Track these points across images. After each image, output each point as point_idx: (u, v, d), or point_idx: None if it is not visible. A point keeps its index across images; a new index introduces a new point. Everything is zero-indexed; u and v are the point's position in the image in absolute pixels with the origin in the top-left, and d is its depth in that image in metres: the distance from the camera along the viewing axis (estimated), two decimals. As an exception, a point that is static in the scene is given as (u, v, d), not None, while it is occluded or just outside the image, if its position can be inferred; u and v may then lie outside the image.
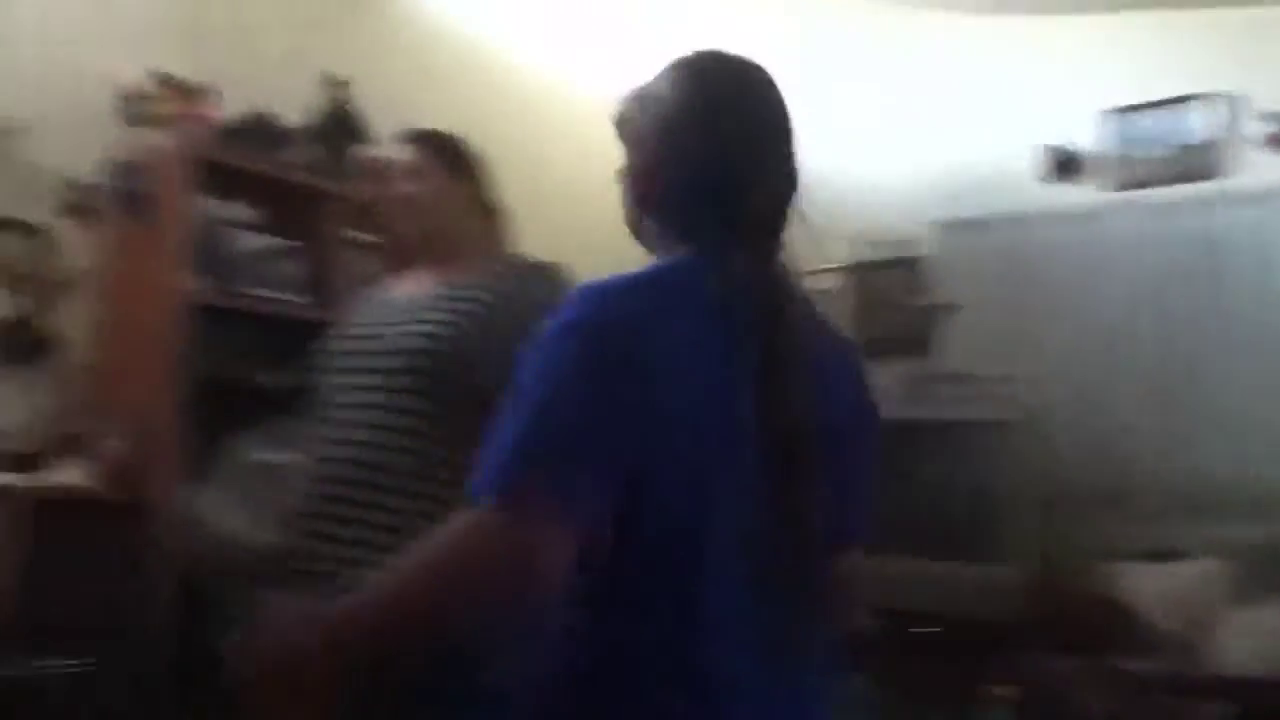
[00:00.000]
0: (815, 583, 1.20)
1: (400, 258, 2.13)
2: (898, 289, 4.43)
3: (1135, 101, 4.06)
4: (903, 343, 4.35)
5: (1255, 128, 3.80)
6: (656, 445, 1.12)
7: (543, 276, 2.01)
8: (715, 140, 1.27)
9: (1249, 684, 2.95)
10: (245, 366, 3.05)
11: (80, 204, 3.12)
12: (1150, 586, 3.27)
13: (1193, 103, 3.94)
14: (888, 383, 4.02)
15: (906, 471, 3.85)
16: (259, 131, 3.23)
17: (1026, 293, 4.12)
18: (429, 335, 1.89)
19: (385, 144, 2.11)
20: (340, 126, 3.45)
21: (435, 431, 1.85)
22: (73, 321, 3.10)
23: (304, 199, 3.32)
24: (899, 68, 4.57)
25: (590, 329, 1.14)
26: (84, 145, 3.13)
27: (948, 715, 3.33)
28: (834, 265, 4.56)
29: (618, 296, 1.17)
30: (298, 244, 3.28)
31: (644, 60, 1.45)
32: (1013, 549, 3.57)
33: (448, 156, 2.13)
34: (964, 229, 4.30)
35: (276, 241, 3.25)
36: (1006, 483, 3.63)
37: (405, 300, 2.01)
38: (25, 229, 3.03)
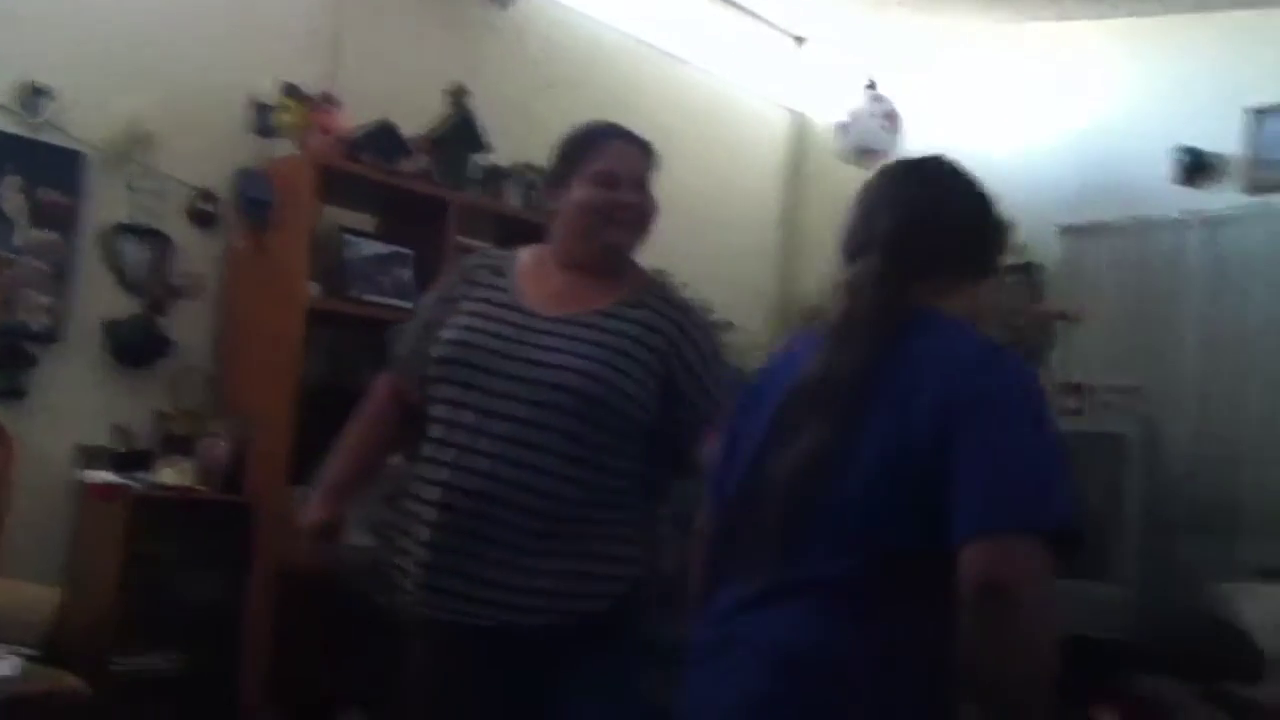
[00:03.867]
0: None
1: (599, 268, 1.99)
2: (1017, 296, 4.33)
3: (1275, 102, 3.87)
4: (1018, 349, 4.24)
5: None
6: None
7: (690, 304, 2.06)
8: None
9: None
10: (360, 372, 3.17)
11: (206, 211, 3.30)
12: (1262, 608, 3.15)
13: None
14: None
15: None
16: (382, 141, 3.35)
17: (1152, 301, 3.98)
18: (610, 366, 1.87)
19: (616, 147, 2.00)
20: (460, 135, 3.55)
21: (605, 461, 1.87)
22: (191, 325, 3.28)
23: (422, 207, 3.42)
24: (1029, 71, 4.46)
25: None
26: (213, 154, 3.31)
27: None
28: (950, 270, 4.50)
29: None
30: (415, 251, 3.39)
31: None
32: (1126, 566, 3.47)
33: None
34: (1090, 234, 4.17)
35: (394, 249, 3.36)
36: (1122, 498, 3.53)
37: (568, 320, 1.92)
38: (150, 234, 3.21)
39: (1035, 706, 1.30)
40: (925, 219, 1.54)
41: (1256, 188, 3.88)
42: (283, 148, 3.32)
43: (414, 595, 1.85)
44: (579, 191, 1.94)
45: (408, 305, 3.29)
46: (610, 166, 1.96)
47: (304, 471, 2.94)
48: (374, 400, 2.09)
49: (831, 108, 4.52)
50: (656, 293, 1.98)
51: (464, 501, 1.82)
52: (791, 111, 5.13)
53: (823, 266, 5.59)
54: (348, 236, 3.32)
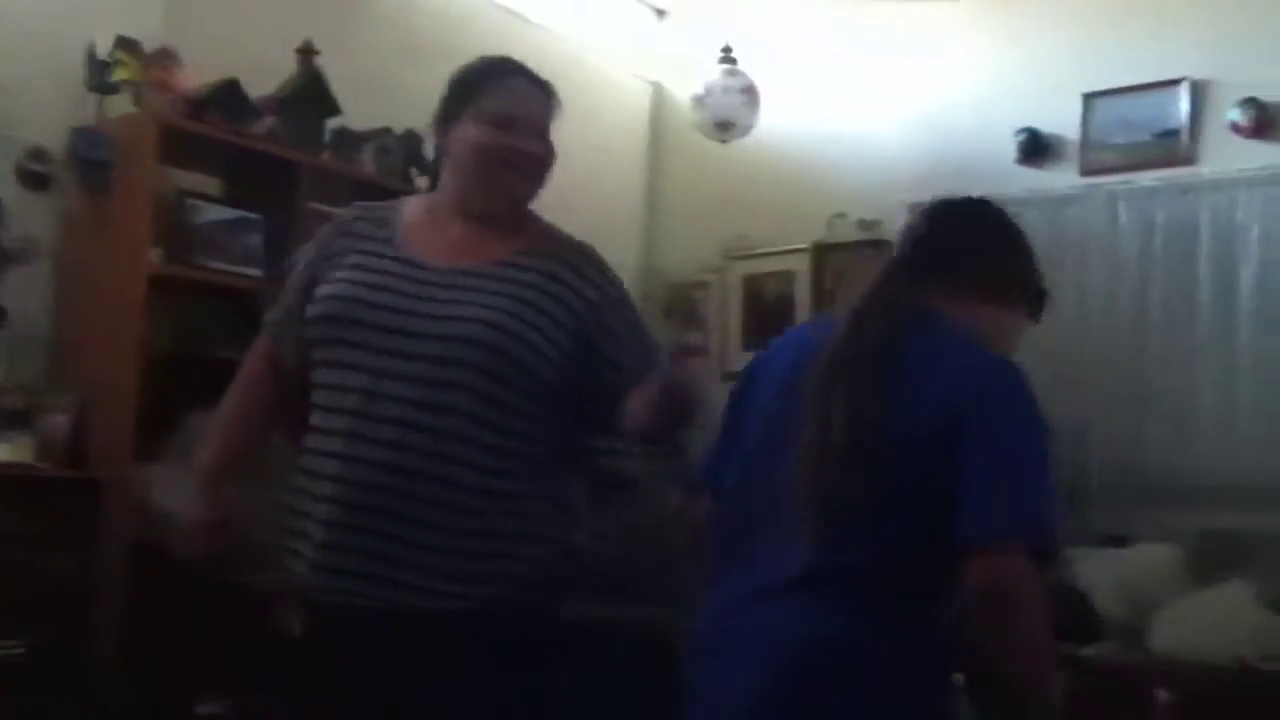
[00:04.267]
0: None
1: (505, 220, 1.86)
2: (867, 270, 4.43)
3: (1114, 86, 4.05)
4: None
5: (1231, 114, 3.79)
6: None
7: (596, 255, 1.90)
8: None
9: (1192, 669, 3.00)
10: (208, 341, 3.05)
11: (38, 171, 3.11)
12: (1101, 572, 3.31)
13: (1170, 88, 3.94)
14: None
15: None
16: (227, 100, 3.22)
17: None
18: (519, 318, 1.72)
19: (516, 86, 1.86)
20: (310, 97, 3.43)
21: (517, 425, 1.72)
22: (25, 293, 3.08)
23: (271, 170, 3.31)
24: (882, 49, 4.55)
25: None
26: (46, 111, 3.12)
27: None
28: (803, 245, 4.58)
29: None
30: (264, 217, 3.27)
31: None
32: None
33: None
34: (937, 211, 4.29)
35: (242, 214, 3.24)
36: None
37: (467, 271, 1.76)
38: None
39: (1038, 701, 1.44)
40: (953, 229, 1.69)
41: (1091, 170, 4.06)
42: (122, 105, 3.16)
43: (308, 578, 1.69)
44: (472, 130, 1.79)
45: (257, 273, 3.17)
46: (507, 109, 1.81)
47: (151, 445, 2.82)
48: (247, 371, 1.91)
49: (692, 81, 4.54)
50: (559, 241, 1.86)
51: (364, 474, 1.66)
52: (653, 84, 5.13)
53: (685, 240, 5.69)
54: (193, 200, 3.18)
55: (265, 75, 3.37)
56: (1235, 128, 3.77)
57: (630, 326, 1.84)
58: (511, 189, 1.84)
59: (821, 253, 4.56)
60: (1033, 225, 3.98)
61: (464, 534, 1.67)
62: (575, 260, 1.83)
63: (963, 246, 1.69)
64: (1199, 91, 3.88)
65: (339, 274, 1.79)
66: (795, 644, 1.46)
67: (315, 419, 1.75)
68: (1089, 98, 4.08)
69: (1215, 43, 3.87)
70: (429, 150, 2.55)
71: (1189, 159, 3.88)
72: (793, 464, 1.49)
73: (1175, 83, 3.91)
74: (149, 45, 3.16)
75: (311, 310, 1.79)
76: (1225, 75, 3.84)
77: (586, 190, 4.83)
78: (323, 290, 1.79)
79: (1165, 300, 3.80)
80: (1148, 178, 3.91)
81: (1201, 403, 3.67)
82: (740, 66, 4.47)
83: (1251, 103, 3.74)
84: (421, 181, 3.55)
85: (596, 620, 3.86)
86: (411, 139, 3.59)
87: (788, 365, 1.61)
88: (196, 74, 3.20)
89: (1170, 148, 3.92)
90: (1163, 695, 2.94)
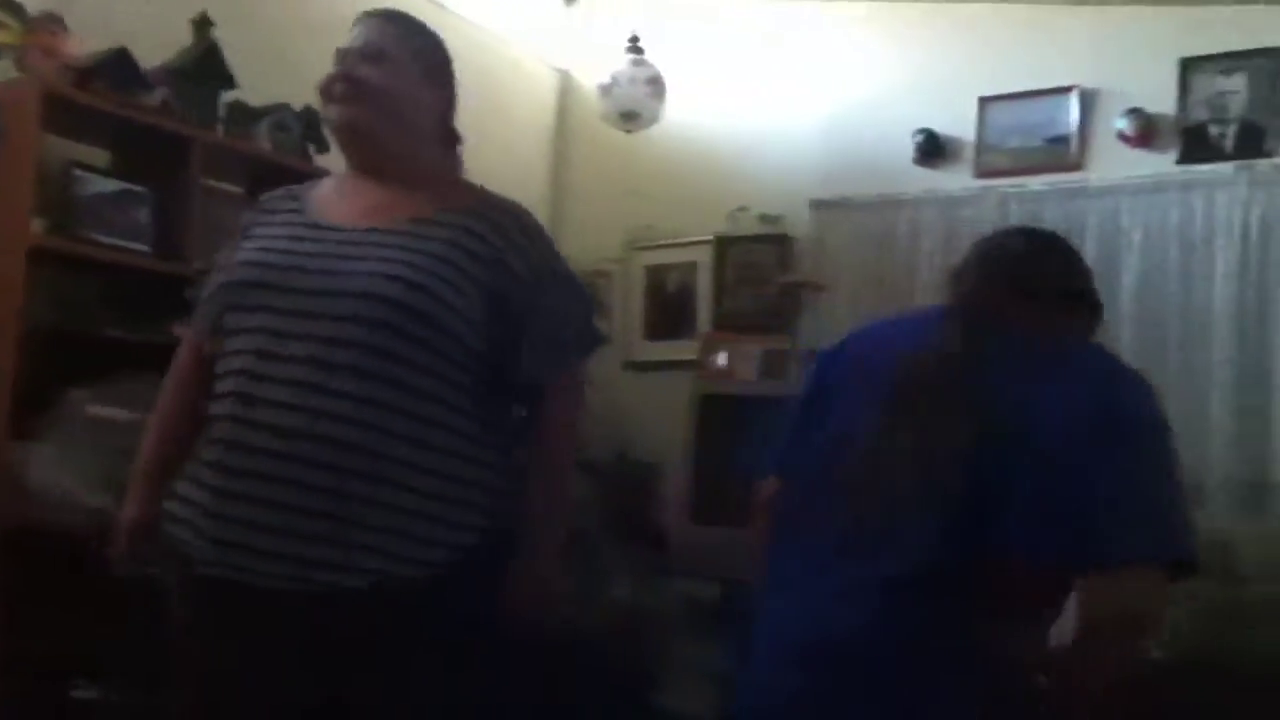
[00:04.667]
0: None
1: (362, 167, 1.78)
2: (767, 265, 4.49)
3: (1008, 91, 4.15)
4: (767, 318, 4.42)
5: (1118, 123, 3.91)
6: None
7: (526, 216, 1.80)
8: None
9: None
10: (89, 318, 2.95)
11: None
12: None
13: (1061, 96, 4.05)
14: (748, 358, 4.10)
15: (766, 445, 3.94)
16: (117, 69, 3.10)
17: (894, 275, 4.21)
18: (430, 273, 1.63)
19: (358, 26, 1.80)
20: (205, 69, 3.34)
21: (428, 388, 1.62)
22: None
23: (162, 144, 3.21)
24: (787, 48, 4.60)
25: None
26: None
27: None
28: (706, 237, 4.61)
29: None
30: (153, 191, 3.17)
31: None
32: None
33: (423, 52, 1.82)
34: (838, 208, 4.36)
35: (130, 187, 3.14)
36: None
37: (378, 230, 1.68)
38: None
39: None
40: (1037, 250, 1.72)
41: (985, 172, 4.17)
42: (3, 71, 3.03)
43: (198, 551, 1.58)
44: None
45: (144, 249, 3.08)
46: (340, 47, 1.78)
47: (29, 424, 2.72)
48: (176, 366, 1.83)
49: (599, 70, 4.53)
50: (489, 202, 1.78)
51: (257, 439, 1.55)
52: (560, 72, 5.11)
53: (589, 229, 5.69)
54: (78, 172, 3.06)
55: (158, 46, 3.27)
56: (1122, 136, 3.90)
57: (558, 296, 1.76)
58: (331, 119, 1.76)
59: (723, 245, 4.60)
60: (928, 224, 4.18)
61: (367, 502, 1.56)
62: (504, 222, 1.75)
63: (1050, 266, 1.72)
64: (1088, 100, 4.01)
65: (246, 244, 1.74)
66: (893, 644, 1.46)
67: (217, 386, 1.65)
68: (984, 102, 4.18)
69: (1105, 53, 4.00)
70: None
71: (1077, 165, 4.00)
72: (902, 464, 1.48)
73: (1066, 90, 4.04)
74: (34, 9, 3.04)
75: (218, 282, 1.72)
76: (1113, 85, 3.97)
77: (491, 176, 4.71)
78: (235, 259, 1.73)
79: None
80: (1038, 182, 4.02)
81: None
82: (647, 57, 4.48)
83: (1137, 113, 3.87)
84: (320, 159, 3.48)
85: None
86: (310, 115, 3.51)
87: (882, 365, 1.60)
88: (85, 42, 3.09)
89: (1060, 153, 4.04)
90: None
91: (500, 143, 4.84)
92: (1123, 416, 1.49)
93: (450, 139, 1.90)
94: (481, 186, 1.85)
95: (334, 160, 2.02)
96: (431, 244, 1.66)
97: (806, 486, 1.61)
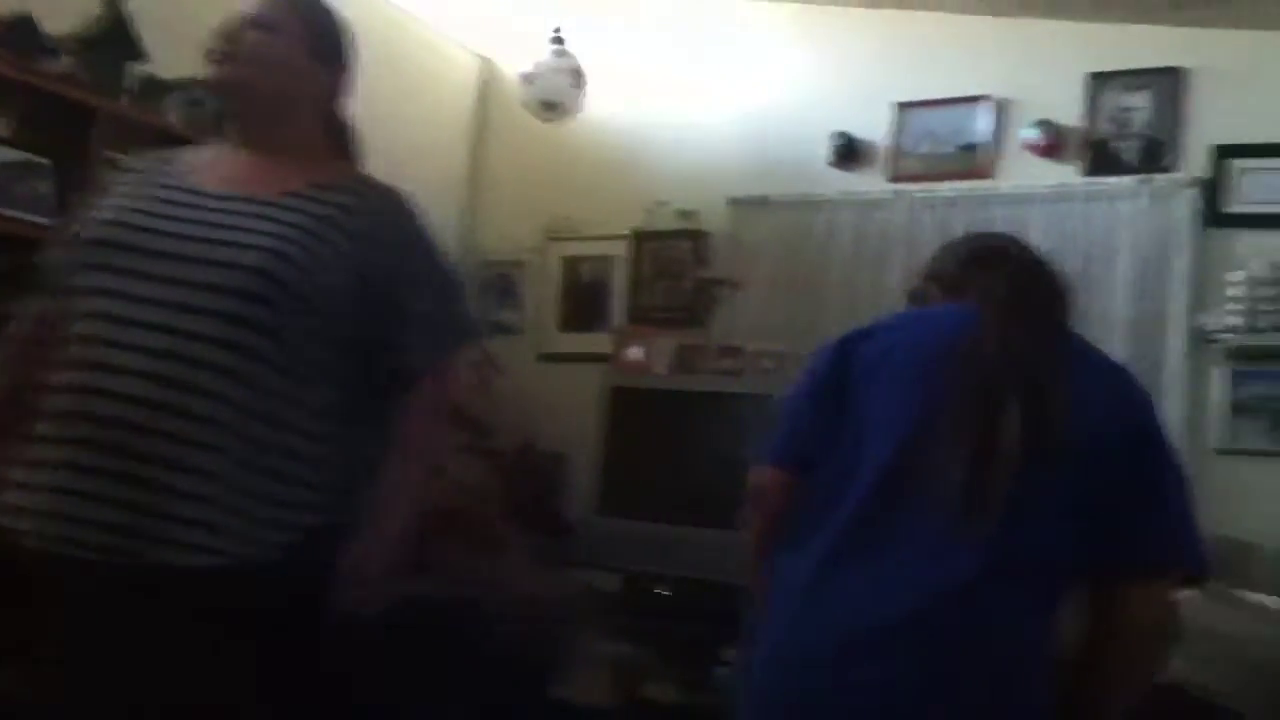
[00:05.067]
0: None
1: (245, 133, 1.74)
2: (683, 260, 4.52)
3: (923, 98, 4.23)
4: (682, 313, 4.45)
5: (1026, 133, 4.00)
6: None
7: (403, 200, 1.77)
8: None
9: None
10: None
11: None
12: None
13: (974, 105, 4.14)
14: (662, 352, 4.12)
15: (676, 440, 3.97)
16: (20, 35, 3.03)
17: (807, 274, 4.26)
18: (299, 246, 1.60)
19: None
20: (113, 39, 3.27)
21: (289, 365, 1.59)
22: None
23: (66, 114, 3.13)
24: (708, 45, 4.63)
25: None
26: None
27: (692, 673, 3.46)
28: (624, 231, 4.63)
29: None
30: (55, 163, 3.09)
31: None
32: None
33: (316, 30, 1.79)
34: (755, 207, 4.40)
35: (30, 158, 3.06)
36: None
37: (250, 198, 1.65)
38: None
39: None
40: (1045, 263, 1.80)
41: (898, 177, 4.24)
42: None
43: (40, 528, 1.52)
44: None
45: (45, 221, 3.01)
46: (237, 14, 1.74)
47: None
48: (19, 331, 1.75)
49: (522, 59, 4.52)
50: (366, 183, 1.76)
51: (105, 409, 1.50)
52: (482, 58, 5.08)
53: (506, 217, 5.65)
54: (-25, 140, 2.99)
55: (64, 13, 3.19)
56: (1031, 146, 4.00)
57: (430, 283, 1.74)
58: (212, 83, 1.75)
59: (641, 239, 4.62)
60: (843, 226, 4.24)
61: (216, 478, 1.51)
62: (380, 204, 1.73)
63: (1056, 272, 1.79)
64: (1001, 110, 4.10)
65: (105, 202, 1.68)
66: (985, 640, 1.45)
67: (65, 352, 1.59)
68: (901, 107, 4.25)
69: (1018, 65, 4.09)
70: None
71: (988, 173, 4.09)
72: (965, 460, 1.46)
73: (979, 100, 4.12)
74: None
75: (70, 239, 1.66)
76: (1025, 96, 4.07)
77: (408, 160, 4.74)
78: (90, 216, 1.67)
79: (959, 305, 4.00)
80: (949, 188, 4.10)
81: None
82: (570, 49, 4.48)
83: (1046, 124, 3.96)
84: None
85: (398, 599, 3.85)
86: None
87: (920, 358, 1.59)
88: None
89: (971, 161, 4.13)
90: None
91: (419, 127, 4.81)
92: (1160, 429, 1.59)
93: (337, 119, 1.86)
94: (361, 169, 1.83)
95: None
96: (301, 217, 1.63)
97: (851, 474, 1.55)
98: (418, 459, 1.73)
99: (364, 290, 1.65)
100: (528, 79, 4.50)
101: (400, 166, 4.68)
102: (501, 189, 4.97)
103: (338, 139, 1.85)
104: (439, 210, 4.90)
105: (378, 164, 5.03)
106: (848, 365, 1.62)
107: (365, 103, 5.03)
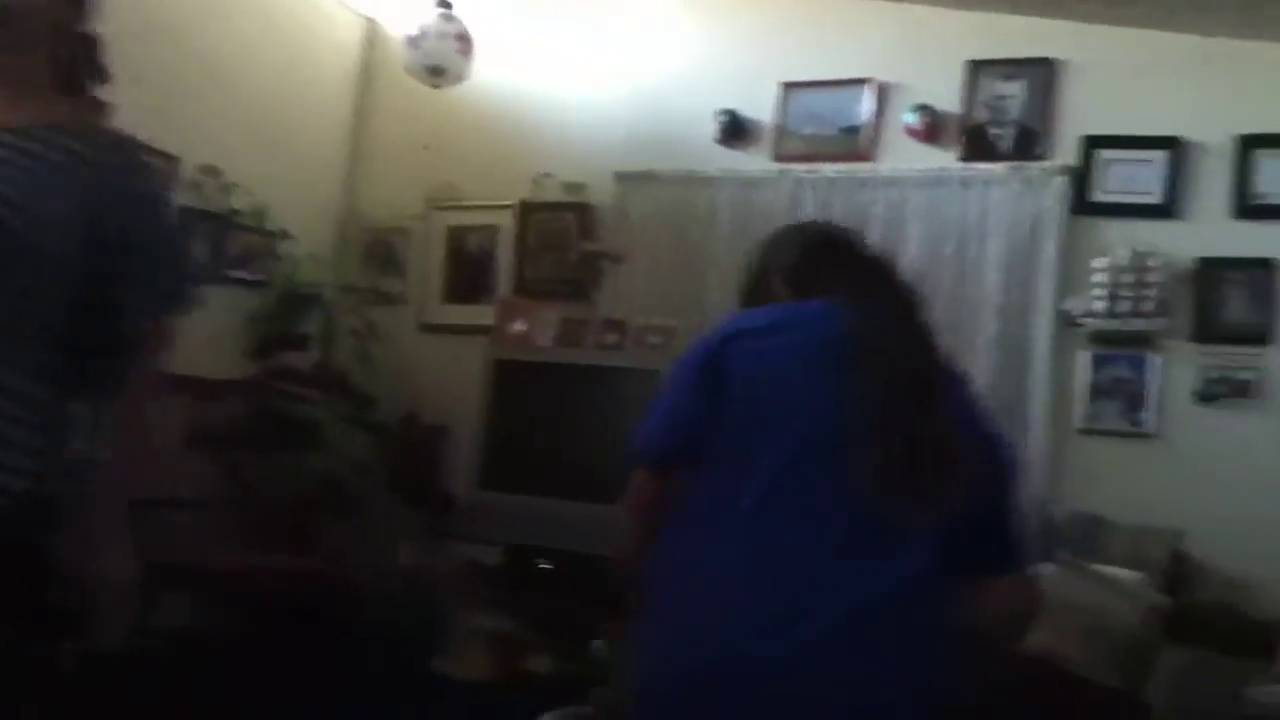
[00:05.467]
0: None
1: None
2: (569, 233, 4.51)
3: (808, 79, 4.28)
4: (567, 286, 4.44)
5: (907, 117, 4.09)
6: None
7: (138, 154, 1.66)
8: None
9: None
10: None
11: None
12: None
13: (856, 87, 4.21)
14: (546, 325, 4.11)
15: (559, 414, 3.98)
16: None
17: (692, 250, 4.29)
18: (12, 185, 1.50)
19: None
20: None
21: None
22: None
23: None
24: (595, 18, 4.61)
25: None
26: None
27: (571, 646, 3.49)
28: (509, 201, 4.59)
29: None
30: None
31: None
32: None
33: None
34: (641, 181, 4.41)
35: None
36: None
37: None
38: None
39: None
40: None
41: (782, 156, 4.29)
42: None
43: None
44: None
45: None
46: None
47: None
48: None
49: (407, 21, 4.42)
50: (90, 123, 1.64)
51: None
52: (366, 19, 4.96)
53: (389, 184, 5.53)
54: None
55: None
56: (910, 131, 4.09)
57: (155, 242, 1.65)
58: None
59: (527, 211, 4.59)
60: (727, 203, 4.27)
61: None
62: (112, 155, 1.61)
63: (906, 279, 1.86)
64: (882, 93, 4.18)
65: None
66: (918, 625, 1.54)
67: None
68: (786, 88, 4.30)
69: (899, 49, 4.17)
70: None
71: (868, 155, 4.18)
72: (886, 455, 1.54)
73: (861, 82, 4.20)
74: None
75: None
76: (906, 81, 4.15)
77: (289, 123, 4.64)
78: None
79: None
80: (831, 169, 4.17)
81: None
82: (457, 14, 4.40)
83: (926, 109, 4.06)
84: None
85: (240, 570, 3.77)
86: None
87: (805, 352, 1.65)
88: None
89: (853, 143, 4.21)
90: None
91: (299, 89, 4.68)
92: (1002, 438, 1.76)
93: (70, 49, 1.68)
94: (95, 118, 1.69)
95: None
96: (17, 155, 1.52)
97: (752, 471, 1.58)
98: (133, 428, 1.63)
99: (88, 247, 1.55)
100: (413, 42, 4.41)
101: (279, 129, 4.62)
102: (384, 154, 4.88)
103: (70, 73, 1.67)
104: (321, 173, 4.83)
105: (256, 126, 4.91)
106: (728, 364, 1.64)
107: (243, 61, 4.92)
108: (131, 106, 3.76)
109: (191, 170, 4.12)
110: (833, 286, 1.73)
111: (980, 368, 3.81)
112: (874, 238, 4.01)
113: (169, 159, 3.98)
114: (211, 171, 4.20)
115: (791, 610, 1.48)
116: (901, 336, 1.66)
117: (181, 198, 4.06)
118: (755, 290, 1.87)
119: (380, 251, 4.81)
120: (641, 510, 1.68)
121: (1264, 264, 3.60)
